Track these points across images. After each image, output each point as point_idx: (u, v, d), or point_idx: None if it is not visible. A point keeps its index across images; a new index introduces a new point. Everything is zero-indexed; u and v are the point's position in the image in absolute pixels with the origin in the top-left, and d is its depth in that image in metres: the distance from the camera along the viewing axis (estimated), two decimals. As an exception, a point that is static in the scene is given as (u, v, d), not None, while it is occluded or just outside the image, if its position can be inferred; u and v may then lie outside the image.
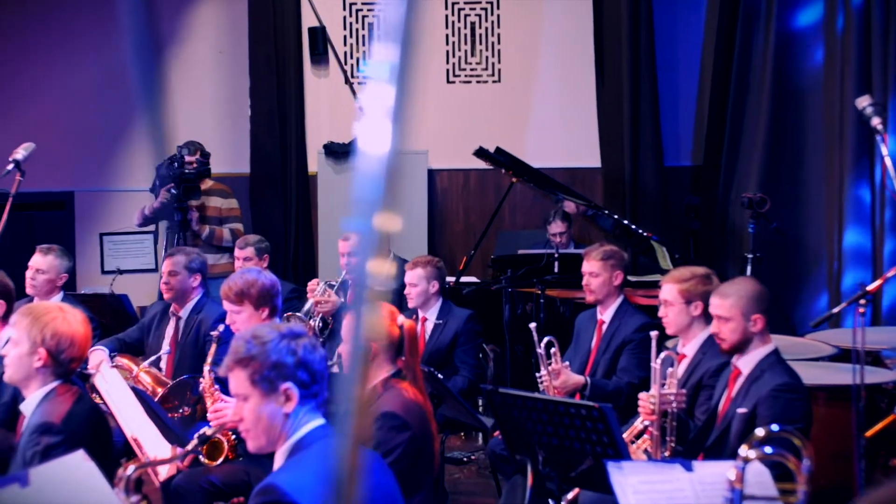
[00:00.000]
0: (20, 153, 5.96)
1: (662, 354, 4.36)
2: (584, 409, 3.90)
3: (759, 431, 2.74)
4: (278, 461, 2.84)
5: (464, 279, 7.83)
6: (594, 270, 5.55)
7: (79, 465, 3.16)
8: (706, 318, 4.68)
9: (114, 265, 9.52)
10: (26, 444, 3.62)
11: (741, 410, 4.09)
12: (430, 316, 6.36)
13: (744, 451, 2.70)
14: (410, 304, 6.41)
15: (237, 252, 7.00)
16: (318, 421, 2.84)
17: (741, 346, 4.24)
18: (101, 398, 4.07)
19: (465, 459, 6.97)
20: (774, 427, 2.76)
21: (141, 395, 4.31)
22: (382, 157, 1.10)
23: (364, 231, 1.11)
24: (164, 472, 4.14)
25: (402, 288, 7.27)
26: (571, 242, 8.64)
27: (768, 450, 2.65)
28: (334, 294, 6.89)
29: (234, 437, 4.74)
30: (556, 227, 8.50)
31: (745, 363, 4.25)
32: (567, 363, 5.36)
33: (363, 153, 1.11)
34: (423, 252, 9.40)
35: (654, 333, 4.56)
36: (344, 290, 7.17)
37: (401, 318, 3.94)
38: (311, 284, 6.91)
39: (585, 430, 3.91)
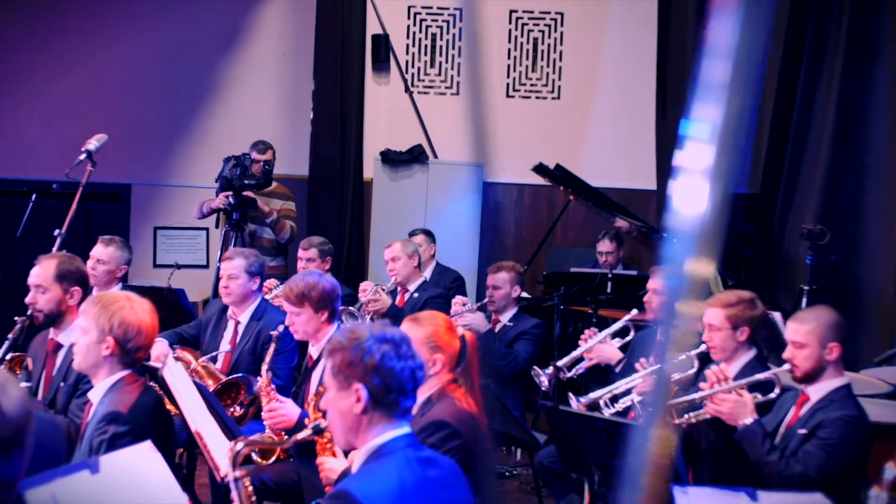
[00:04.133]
0: (93, 143, 6.00)
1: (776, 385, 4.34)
2: (644, 431, 3.88)
3: (888, 474, 2.73)
4: (356, 463, 2.83)
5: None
6: (658, 289, 5.52)
7: (146, 455, 3.19)
8: (749, 342, 4.68)
9: (167, 259, 9.61)
10: (93, 431, 3.66)
11: (801, 431, 4.08)
12: (504, 319, 6.48)
13: (874, 492, 2.68)
14: (491, 308, 6.50)
15: (300, 253, 7.05)
16: (401, 429, 2.81)
17: (814, 375, 4.19)
18: (168, 390, 4.10)
19: (507, 474, 6.96)
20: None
21: (201, 389, 4.33)
22: (698, 214, 1.12)
23: (677, 283, 1.13)
24: (224, 466, 4.16)
25: (446, 294, 7.32)
26: (620, 263, 8.61)
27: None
28: (385, 295, 6.93)
29: (286, 437, 4.76)
30: (604, 245, 8.51)
31: (815, 390, 4.20)
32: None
33: (678, 209, 1.13)
34: (473, 264, 9.43)
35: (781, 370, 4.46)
36: (392, 297, 7.20)
37: (460, 329, 3.94)
38: (364, 285, 6.97)
39: (645, 452, 3.89)
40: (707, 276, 1.13)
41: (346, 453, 3.76)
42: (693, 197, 1.14)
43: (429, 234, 8.22)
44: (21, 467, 1.98)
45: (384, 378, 2.76)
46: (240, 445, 3.06)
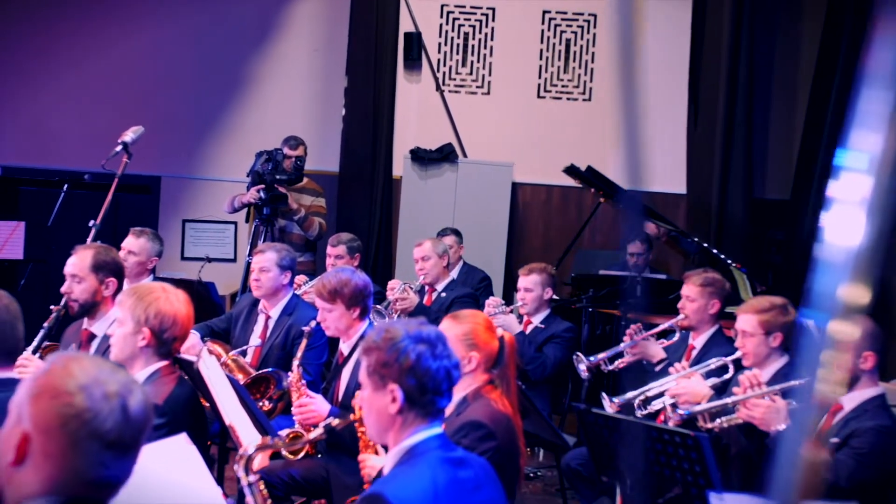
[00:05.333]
0: (129, 135, 6.02)
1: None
2: (678, 436, 3.87)
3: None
4: (388, 464, 2.83)
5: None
6: (691, 295, 5.49)
7: (182, 447, 3.19)
8: (781, 349, 4.66)
9: (194, 252, 9.65)
10: (128, 422, 3.66)
11: (834, 440, 4.06)
12: (535, 321, 6.47)
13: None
14: (523, 311, 6.52)
15: (329, 250, 7.06)
16: (434, 430, 2.80)
17: (848, 384, 4.17)
18: (200, 383, 4.10)
19: (531, 475, 6.95)
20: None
21: (234, 383, 4.34)
22: (851, 248, 1.11)
23: (829, 310, 1.12)
24: (258, 461, 4.17)
25: (474, 294, 7.33)
26: (647, 266, 8.58)
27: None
28: (413, 293, 6.94)
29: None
30: (635, 247, 8.50)
31: (849, 400, 4.18)
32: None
33: (830, 242, 1.12)
34: (501, 264, 9.42)
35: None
36: (420, 295, 7.21)
37: (500, 330, 3.93)
38: (392, 283, 6.98)
39: (678, 457, 3.88)
40: (861, 305, 1.12)
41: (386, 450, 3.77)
42: (848, 228, 1.13)
43: (458, 235, 8.22)
44: (132, 467, 2.02)
45: (420, 379, 2.75)
46: (251, 450, 3.05)
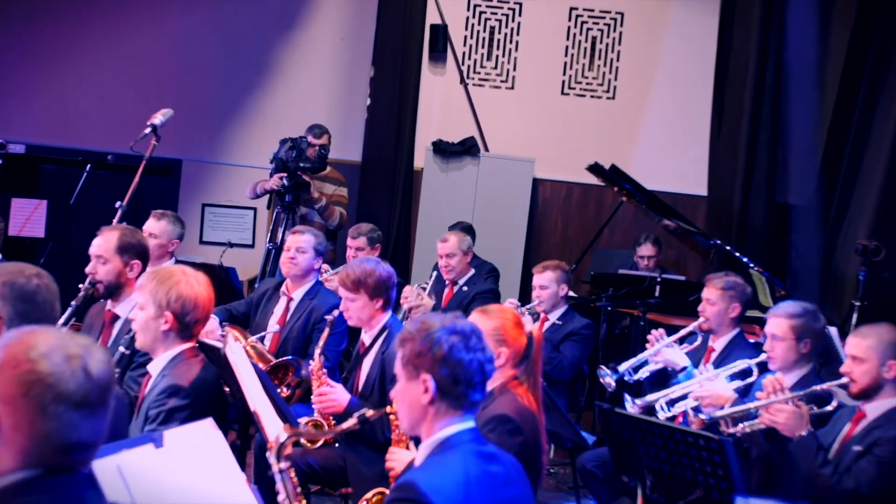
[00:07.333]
0: (158, 118, 6.01)
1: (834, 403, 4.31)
2: (702, 439, 3.86)
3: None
4: (421, 455, 2.84)
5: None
6: (711, 298, 5.48)
7: (208, 433, 3.19)
8: (809, 356, 4.66)
9: (213, 237, 9.66)
10: (152, 403, 3.67)
11: (856, 448, 4.05)
12: (552, 318, 6.47)
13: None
14: (539, 308, 6.51)
15: (349, 241, 7.07)
16: (467, 423, 2.82)
17: (870, 392, 4.16)
18: (224, 368, 4.10)
19: (545, 472, 6.93)
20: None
21: (256, 370, 4.33)
22: None
23: None
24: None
25: (496, 290, 7.32)
26: (658, 268, 8.53)
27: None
28: (427, 297, 6.93)
29: (333, 422, 4.78)
30: (646, 250, 8.49)
31: (873, 408, 4.17)
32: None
33: None
34: (518, 260, 9.40)
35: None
36: (436, 291, 7.19)
37: (528, 327, 3.92)
38: (406, 291, 6.92)
39: (700, 460, 3.87)
40: None
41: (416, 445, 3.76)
42: None
43: (470, 229, 8.20)
44: (104, 429, 2.05)
45: (452, 369, 2.77)
46: (283, 437, 3.04)
